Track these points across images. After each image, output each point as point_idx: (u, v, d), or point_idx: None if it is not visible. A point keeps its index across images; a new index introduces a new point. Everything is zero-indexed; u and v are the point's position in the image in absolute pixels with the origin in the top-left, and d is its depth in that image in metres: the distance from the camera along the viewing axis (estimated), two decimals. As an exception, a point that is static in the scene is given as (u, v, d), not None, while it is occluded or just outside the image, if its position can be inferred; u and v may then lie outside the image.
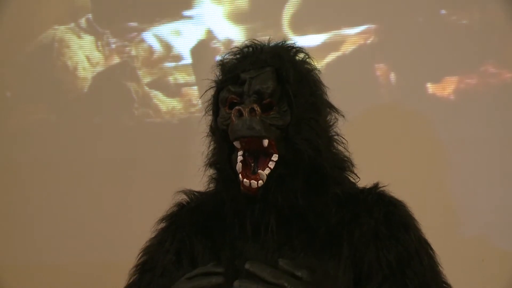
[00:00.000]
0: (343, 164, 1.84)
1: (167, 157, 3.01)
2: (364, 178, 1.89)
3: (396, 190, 1.86)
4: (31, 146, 3.15)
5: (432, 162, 2.73)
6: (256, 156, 1.72)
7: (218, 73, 1.84)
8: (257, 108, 1.69)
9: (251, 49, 1.82)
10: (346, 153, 1.86)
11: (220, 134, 1.78)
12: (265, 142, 1.69)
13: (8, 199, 3.14)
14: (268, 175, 1.70)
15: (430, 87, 2.79)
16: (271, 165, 1.70)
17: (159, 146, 3.04)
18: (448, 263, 1.82)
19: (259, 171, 1.70)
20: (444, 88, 2.77)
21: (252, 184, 1.68)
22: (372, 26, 2.85)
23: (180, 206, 1.92)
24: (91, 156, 3.08)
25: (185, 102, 3.05)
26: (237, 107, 1.70)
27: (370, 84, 2.84)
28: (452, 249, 2.56)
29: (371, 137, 2.67)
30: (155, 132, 3.06)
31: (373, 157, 2.42)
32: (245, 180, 1.69)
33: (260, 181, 1.68)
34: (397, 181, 1.85)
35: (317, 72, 1.85)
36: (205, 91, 1.87)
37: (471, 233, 2.68)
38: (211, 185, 1.88)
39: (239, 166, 1.70)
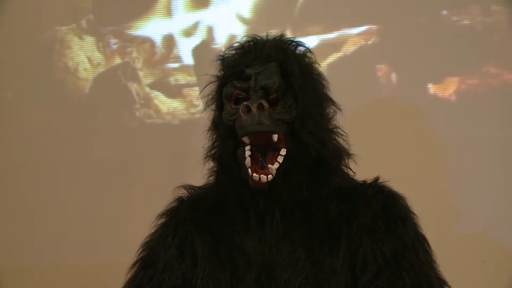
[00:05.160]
0: (343, 157, 1.85)
1: (168, 158, 3.00)
2: (365, 178, 1.89)
3: (397, 190, 1.86)
4: (32, 147, 3.15)
5: (433, 162, 2.73)
6: (264, 151, 1.73)
7: (219, 68, 1.85)
8: (265, 104, 1.70)
9: (252, 43, 1.83)
10: (346, 145, 1.87)
11: (225, 129, 1.79)
12: (275, 137, 1.70)
13: (8, 199, 3.14)
14: (277, 169, 1.70)
15: (431, 88, 2.78)
16: (280, 159, 1.72)
17: (160, 147, 3.04)
18: (448, 260, 1.82)
19: (269, 165, 1.70)
20: (445, 89, 2.77)
21: (261, 178, 1.69)
22: (373, 26, 2.85)
23: (180, 201, 1.92)
24: (92, 157, 3.08)
25: (186, 103, 3.05)
26: (245, 103, 1.70)
27: (371, 84, 2.83)
28: (452, 246, 2.57)
29: (372, 137, 2.67)
30: (156, 133, 3.06)
31: (374, 157, 2.41)
32: (254, 174, 1.69)
33: (270, 176, 1.70)
34: (398, 181, 1.85)
35: (318, 65, 1.86)
36: (205, 86, 1.87)
37: (471, 231, 2.68)
38: (211, 177, 1.88)
39: (248, 161, 1.71)
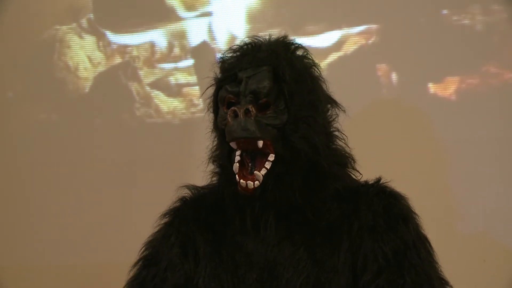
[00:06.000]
0: (343, 160, 1.85)
1: (168, 157, 3.01)
2: (365, 178, 1.89)
3: (397, 189, 1.86)
4: (32, 147, 3.15)
5: (433, 162, 2.73)
6: (253, 156, 1.73)
7: (218, 71, 1.85)
8: (252, 109, 1.70)
9: (250, 46, 1.82)
10: (347, 149, 1.86)
11: (220, 132, 1.79)
12: (260, 143, 1.70)
13: (9, 199, 3.14)
14: (265, 175, 1.70)
15: (432, 87, 2.78)
16: (268, 165, 1.71)
17: (161, 147, 3.04)
18: (449, 259, 1.82)
19: (255, 172, 1.70)
20: (446, 88, 2.77)
21: (248, 184, 1.69)
22: (374, 26, 2.85)
23: (183, 201, 1.92)
24: (92, 156, 3.08)
25: (187, 102, 3.05)
26: (232, 108, 1.70)
27: (372, 84, 2.83)
28: (453, 246, 2.57)
29: (372, 137, 2.67)
30: (156, 133, 3.06)
31: (375, 157, 2.41)
32: (241, 180, 1.70)
33: (257, 182, 1.69)
34: (398, 181, 1.85)
35: (317, 68, 1.84)
36: (206, 89, 1.87)
37: (471, 231, 2.68)
38: (214, 178, 1.88)
39: (236, 166, 1.71)
